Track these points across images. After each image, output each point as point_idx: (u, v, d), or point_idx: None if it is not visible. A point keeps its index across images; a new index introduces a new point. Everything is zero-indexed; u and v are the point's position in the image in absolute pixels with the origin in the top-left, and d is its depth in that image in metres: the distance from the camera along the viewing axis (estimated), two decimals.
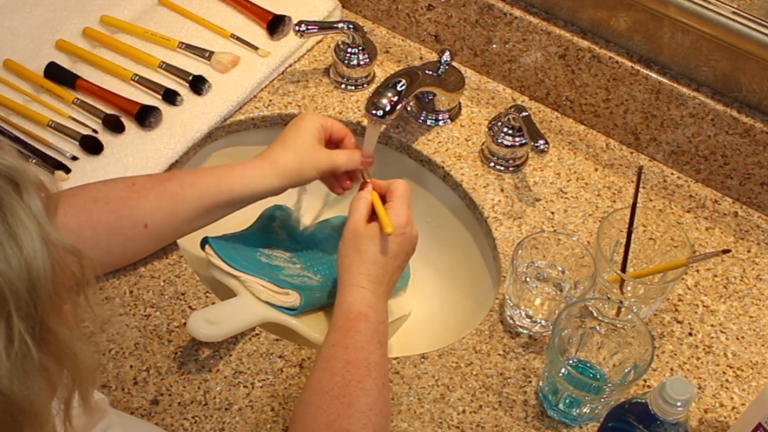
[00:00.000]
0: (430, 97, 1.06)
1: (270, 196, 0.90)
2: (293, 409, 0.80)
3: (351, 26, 1.06)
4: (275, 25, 1.11)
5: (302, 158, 0.89)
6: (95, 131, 1.01)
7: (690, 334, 0.92)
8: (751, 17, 0.91)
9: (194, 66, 1.07)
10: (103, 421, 0.68)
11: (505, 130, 1.02)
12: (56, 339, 0.50)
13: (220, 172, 0.87)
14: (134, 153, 0.99)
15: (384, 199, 0.88)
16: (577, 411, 0.83)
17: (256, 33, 1.12)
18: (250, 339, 0.88)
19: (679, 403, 0.70)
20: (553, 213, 1.01)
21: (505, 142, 1.02)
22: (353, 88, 1.11)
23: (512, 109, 1.00)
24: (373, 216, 0.87)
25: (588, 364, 0.87)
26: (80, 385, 0.54)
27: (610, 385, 0.84)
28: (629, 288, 0.88)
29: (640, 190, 0.96)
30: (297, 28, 1.04)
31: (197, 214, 0.87)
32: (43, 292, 0.48)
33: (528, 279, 0.92)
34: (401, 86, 0.95)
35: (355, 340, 0.79)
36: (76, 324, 0.54)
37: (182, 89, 1.05)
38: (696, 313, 0.93)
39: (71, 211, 0.82)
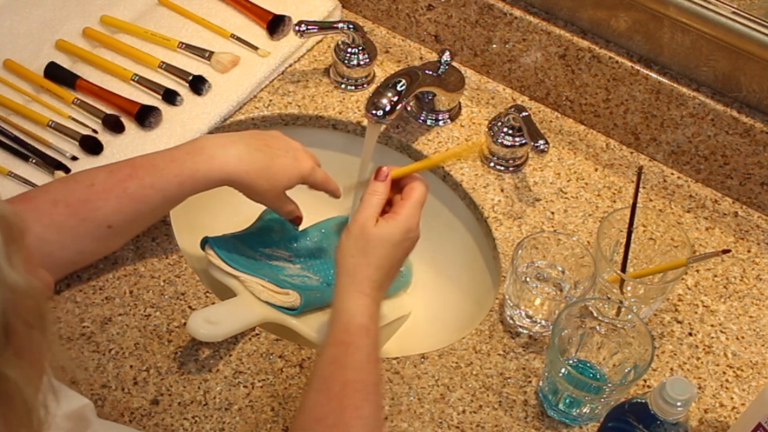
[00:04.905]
0: (430, 97, 1.06)
1: None
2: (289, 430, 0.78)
3: (351, 26, 1.06)
4: (275, 25, 1.11)
5: (265, 192, 0.87)
6: (95, 131, 1.01)
7: (690, 334, 0.92)
8: (751, 17, 0.91)
9: (194, 66, 1.07)
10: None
11: (505, 130, 1.02)
12: (5, 381, 0.48)
13: (185, 171, 0.83)
14: (134, 153, 0.99)
15: (399, 190, 0.83)
16: (577, 411, 0.83)
17: (256, 33, 1.12)
18: (250, 339, 0.88)
19: (679, 403, 0.70)
20: (553, 213, 1.01)
21: (505, 142, 1.02)
22: (353, 88, 1.11)
23: (512, 109, 1.00)
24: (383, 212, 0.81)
25: (588, 364, 0.87)
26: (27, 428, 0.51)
27: (610, 385, 0.84)
28: (629, 288, 0.88)
29: (640, 190, 0.96)
30: (297, 28, 1.04)
31: (160, 212, 0.87)
32: None
33: (528, 279, 0.92)
34: (401, 86, 0.95)
35: (355, 359, 0.74)
36: (32, 365, 0.51)
37: (182, 89, 1.05)
38: (696, 313, 0.93)
39: (33, 215, 0.80)
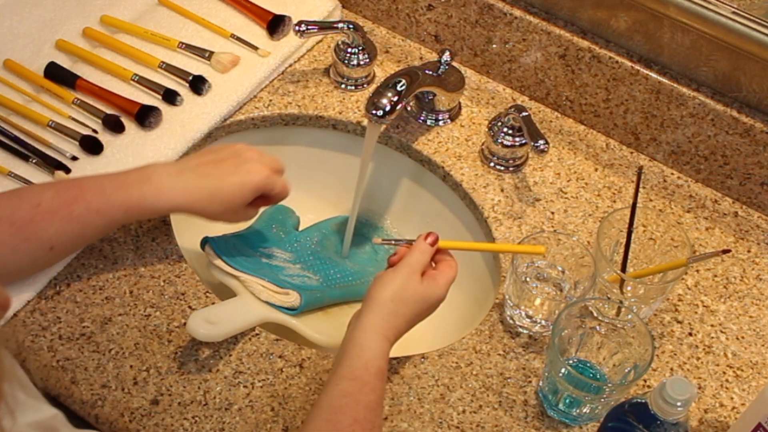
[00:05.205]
0: (430, 97, 1.06)
1: None
2: None
3: (351, 26, 1.06)
4: (275, 25, 1.11)
5: (220, 214, 0.87)
6: (95, 131, 1.01)
7: (690, 334, 0.92)
8: (751, 17, 0.91)
9: (194, 66, 1.07)
10: None
11: (505, 130, 1.02)
12: None
13: (131, 199, 0.83)
14: (134, 153, 0.99)
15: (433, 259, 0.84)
16: (577, 411, 0.83)
17: (256, 33, 1.12)
18: (250, 339, 0.88)
19: (679, 403, 0.70)
20: (553, 213, 1.01)
21: (505, 142, 1.02)
22: (353, 88, 1.11)
23: (512, 109, 1.00)
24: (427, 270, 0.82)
25: (588, 364, 0.87)
26: None
27: (610, 385, 0.84)
28: (629, 288, 0.88)
29: (640, 190, 0.96)
30: (297, 28, 1.04)
31: (102, 235, 0.87)
32: None
33: (528, 279, 0.92)
34: (401, 86, 0.95)
35: (369, 399, 0.74)
36: None
37: (182, 89, 1.05)
38: (696, 313, 0.93)
39: None
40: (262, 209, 1.02)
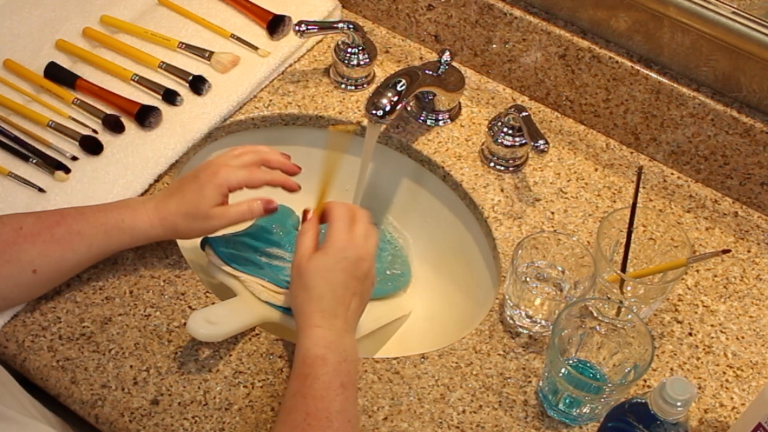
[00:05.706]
0: (430, 97, 1.06)
1: None
2: None
3: (351, 26, 1.06)
4: (275, 25, 1.11)
5: (192, 224, 0.88)
6: (95, 131, 1.01)
7: (690, 334, 0.92)
8: (751, 17, 0.91)
9: (194, 66, 1.07)
10: None
11: (505, 130, 1.02)
12: None
13: (110, 221, 0.86)
14: (134, 153, 0.99)
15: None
16: (577, 411, 0.83)
17: (256, 33, 1.12)
18: (250, 339, 0.88)
19: (679, 403, 0.70)
20: (553, 213, 1.01)
21: (505, 142, 1.02)
22: (353, 88, 1.11)
23: (512, 109, 1.00)
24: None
25: (588, 364, 0.87)
26: None
27: (610, 385, 0.84)
28: (629, 288, 0.88)
29: (640, 190, 0.96)
30: (297, 28, 1.05)
31: (87, 261, 0.88)
32: None
33: (528, 279, 0.92)
34: (401, 86, 0.95)
35: (314, 389, 0.75)
36: None
37: (182, 89, 1.05)
38: (696, 313, 0.93)
39: None
40: None
